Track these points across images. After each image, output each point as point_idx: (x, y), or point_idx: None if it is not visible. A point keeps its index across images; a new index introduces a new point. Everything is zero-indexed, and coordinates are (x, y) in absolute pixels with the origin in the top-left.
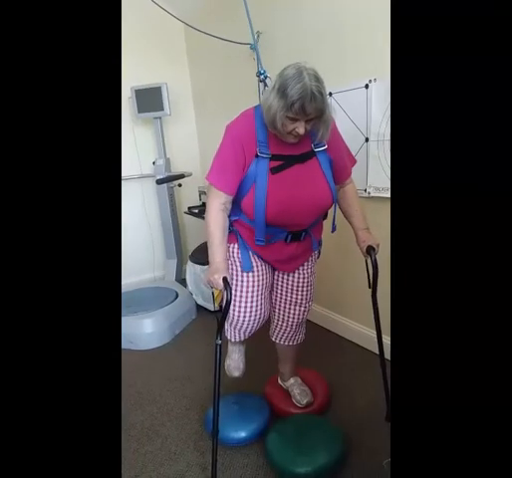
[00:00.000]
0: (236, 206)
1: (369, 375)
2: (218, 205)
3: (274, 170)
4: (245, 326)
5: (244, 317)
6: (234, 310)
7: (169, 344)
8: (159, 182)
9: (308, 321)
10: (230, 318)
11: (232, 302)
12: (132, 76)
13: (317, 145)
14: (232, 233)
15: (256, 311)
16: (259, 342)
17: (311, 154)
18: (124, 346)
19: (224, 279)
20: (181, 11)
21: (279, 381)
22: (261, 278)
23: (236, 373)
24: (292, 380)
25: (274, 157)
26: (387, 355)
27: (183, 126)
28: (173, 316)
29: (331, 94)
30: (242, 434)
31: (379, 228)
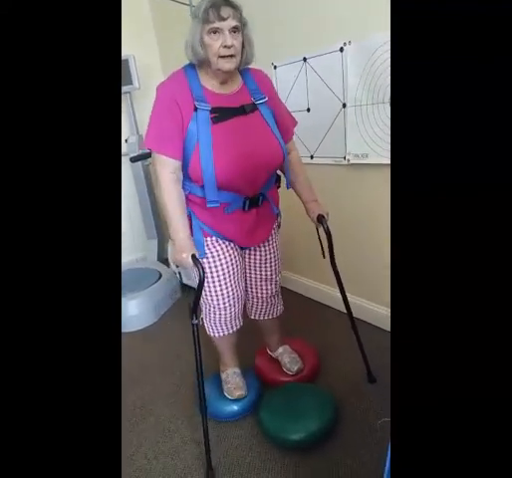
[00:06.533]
0: (184, 177)
1: (354, 340)
2: (169, 176)
3: (216, 119)
4: (224, 313)
5: (221, 302)
6: (207, 298)
7: (156, 324)
8: (133, 160)
9: (291, 291)
10: (207, 309)
11: (205, 290)
12: None
13: (257, 98)
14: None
15: (231, 293)
16: (244, 315)
17: (252, 107)
18: None
19: (193, 256)
20: None
21: (268, 352)
22: (229, 259)
23: (239, 392)
24: (281, 349)
25: (214, 110)
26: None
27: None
28: (158, 296)
29: (305, 59)
30: (234, 407)
31: (359, 199)
